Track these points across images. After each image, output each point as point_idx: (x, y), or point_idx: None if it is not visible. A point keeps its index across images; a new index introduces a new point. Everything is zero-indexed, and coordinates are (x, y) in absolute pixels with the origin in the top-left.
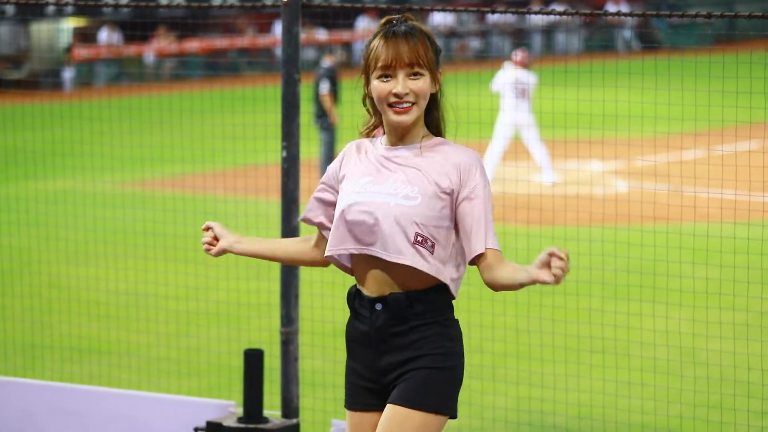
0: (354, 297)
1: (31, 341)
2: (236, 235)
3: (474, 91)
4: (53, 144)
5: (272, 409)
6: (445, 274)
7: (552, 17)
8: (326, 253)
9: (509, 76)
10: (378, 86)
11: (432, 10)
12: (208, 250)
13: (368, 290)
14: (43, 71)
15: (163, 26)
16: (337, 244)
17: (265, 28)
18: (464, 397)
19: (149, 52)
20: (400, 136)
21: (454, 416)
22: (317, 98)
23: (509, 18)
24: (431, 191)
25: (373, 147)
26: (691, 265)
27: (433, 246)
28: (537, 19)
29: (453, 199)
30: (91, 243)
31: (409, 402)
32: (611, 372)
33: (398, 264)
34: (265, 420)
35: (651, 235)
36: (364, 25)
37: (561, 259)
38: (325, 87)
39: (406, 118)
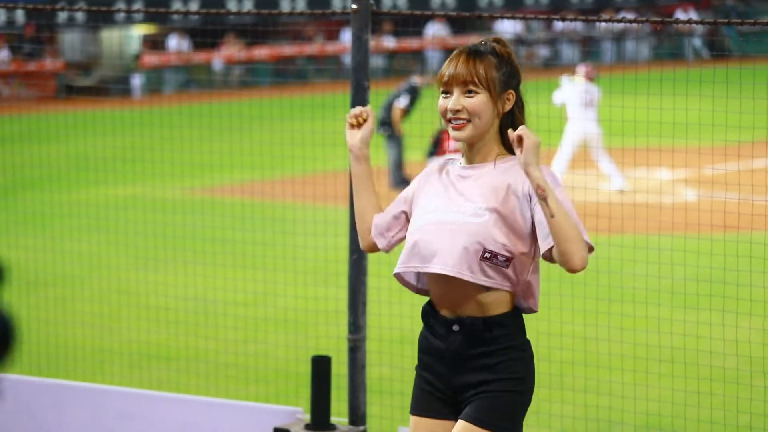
0: (429, 314)
1: (99, 346)
2: (367, 150)
3: (543, 99)
4: (123, 150)
5: (339, 416)
6: (520, 287)
7: (621, 25)
8: (394, 271)
9: (573, 89)
10: (439, 102)
11: (501, 17)
12: (351, 123)
13: (444, 310)
14: (113, 78)
15: (231, 33)
16: (405, 261)
17: (334, 35)
18: (531, 406)
19: (218, 59)
20: (471, 154)
21: None
22: (389, 107)
23: (578, 26)
24: (500, 207)
25: (452, 167)
26: (761, 274)
27: (508, 260)
28: (606, 27)
29: (530, 209)
30: (159, 249)
31: (481, 422)
32: (680, 381)
33: (472, 285)
34: (333, 427)
35: (721, 244)
36: (433, 32)
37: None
38: (403, 101)
39: (460, 134)
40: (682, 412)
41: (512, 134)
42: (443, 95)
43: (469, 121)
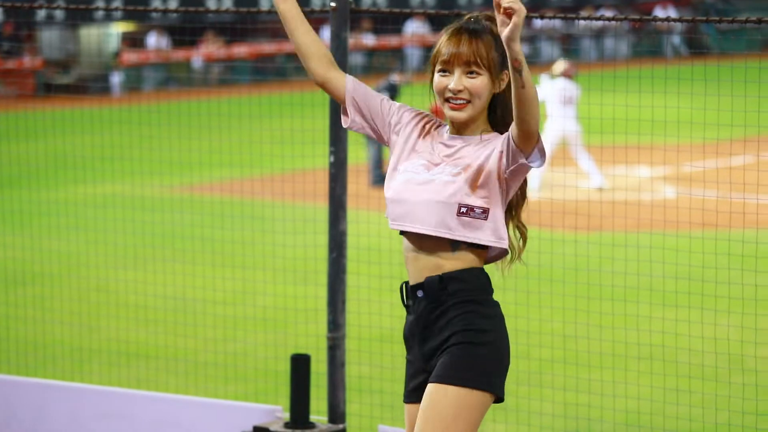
0: (402, 291)
1: (78, 345)
2: None
3: None
4: (102, 148)
5: (319, 415)
6: (504, 237)
7: (600, 22)
8: (390, 226)
9: (553, 86)
10: (437, 80)
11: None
12: None
13: (412, 278)
14: (92, 76)
15: (211, 31)
16: (396, 219)
17: (317, 33)
18: (511, 402)
19: (197, 57)
20: (458, 129)
21: (498, 395)
22: (391, 85)
23: (557, 23)
24: (477, 167)
25: (437, 132)
26: (739, 272)
27: (485, 210)
28: (585, 25)
29: (502, 152)
30: (138, 247)
31: (443, 378)
32: (659, 379)
33: (440, 244)
34: (312, 425)
35: (699, 241)
36: (413, 29)
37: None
38: (395, 77)
39: (459, 115)
40: (661, 410)
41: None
42: (442, 73)
43: (469, 102)
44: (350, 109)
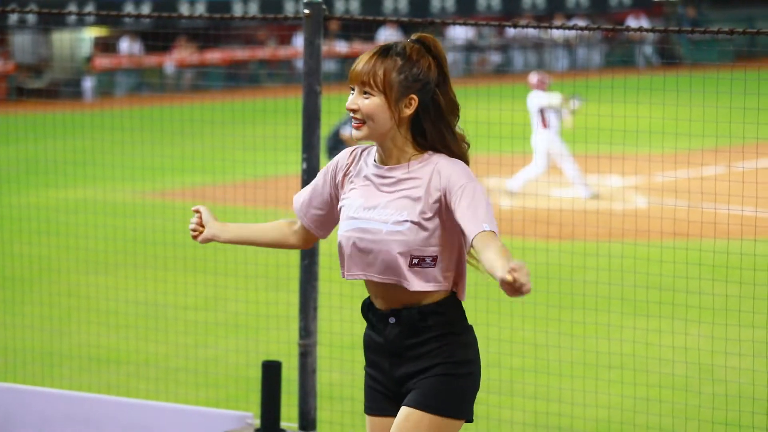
0: (368, 308)
1: (49, 350)
2: (221, 222)
3: (494, 105)
4: (73, 153)
5: (289, 421)
6: (450, 282)
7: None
8: (343, 276)
9: (538, 99)
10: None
11: (453, 23)
12: (194, 236)
13: (380, 304)
14: (64, 80)
15: (183, 37)
16: (348, 269)
17: (286, 39)
18: (482, 411)
19: (170, 63)
20: (384, 155)
21: (469, 420)
22: (336, 134)
23: (530, 32)
24: (418, 214)
25: (365, 163)
26: (710, 281)
27: (434, 259)
28: (558, 34)
29: (444, 203)
30: (110, 252)
31: (422, 405)
32: (629, 388)
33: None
34: None
35: (671, 251)
36: (386, 36)
37: (505, 281)
38: (347, 129)
39: (357, 134)
40: (631, 419)
41: (504, 278)
42: (351, 91)
43: (364, 122)
44: (315, 226)
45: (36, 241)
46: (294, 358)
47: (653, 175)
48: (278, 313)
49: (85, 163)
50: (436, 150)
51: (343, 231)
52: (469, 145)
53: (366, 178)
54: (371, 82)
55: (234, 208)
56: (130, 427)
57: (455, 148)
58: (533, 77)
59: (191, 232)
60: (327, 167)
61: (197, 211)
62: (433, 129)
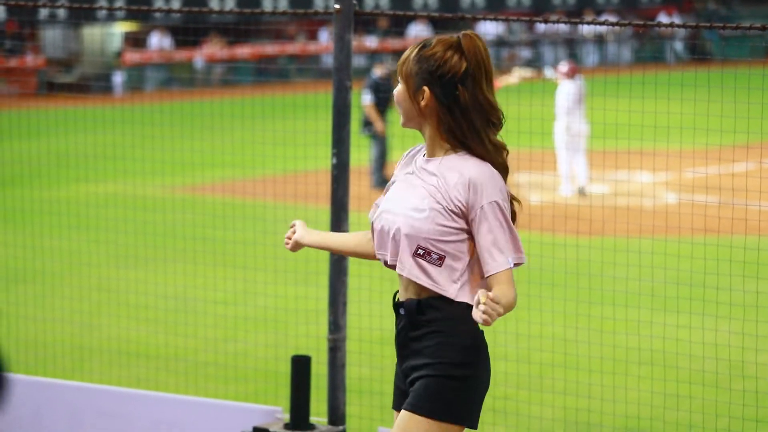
0: (393, 300)
1: (78, 344)
2: (309, 229)
3: (525, 101)
4: (103, 148)
5: (319, 416)
6: (449, 287)
7: (603, 28)
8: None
9: (560, 89)
10: None
11: (483, 18)
12: (286, 244)
13: (400, 294)
14: (94, 75)
15: (213, 32)
16: (377, 248)
17: (315, 35)
18: (511, 407)
19: (199, 58)
20: (426, 146)
21: (471, 426)
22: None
23: (560, 28)
24: (441, 207)
25: (414, 159)
26: (741, 278)
27: (441, 258)
28: (588, 30)
29: (466, 216)
30: (139, 247)
31: (415, 407)
32: (659, 384)
33: None
34: (312, 426)
35: (701, 247)
36: (416, 32)
37: (478, 303)
38: (367, 98)
39: (400, 120)
40: (661, 415)
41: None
42: None
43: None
44: None
45: (66, 236)
46: (323, 352)
47: (684, 171)
48: (307, 307)
49: (115, 157)
50: (470, 149)
51: (378, 211)
52: (507, 152)
53: (409, 170)
54: (401, 69)
55: (264, 203)
56: (159, 421)
57: (483, 152)
58: (563, 66)
59: (285, 241)
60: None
61: (293, 226)
62: (456, 127)
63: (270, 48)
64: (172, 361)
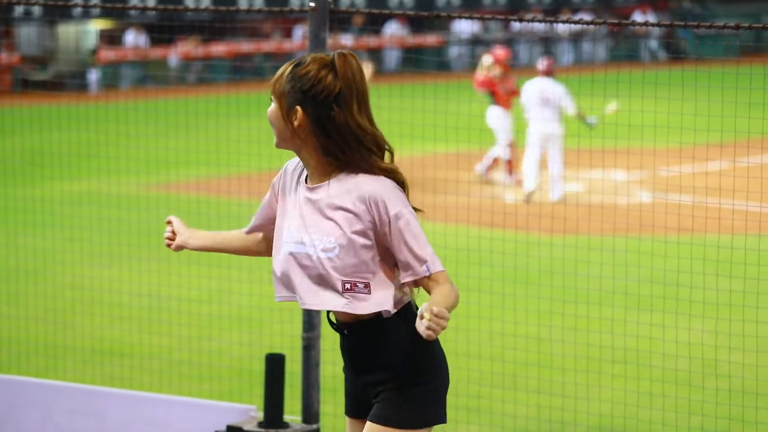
0: (327, 318)
1: (52, 342)
2: (192, 230)
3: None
4: (78, 145)
5: (293, 414)
6: (389, 300)
7: (578, 26)
8: (275, 299)
9: (532, 87)
10: None
11: (459, 17)
12: (168, 245)
13: (332, 317)
14: (69, 72)
15: (192, 30)
16: (278, 291)
17: (290, 33)
18: (484, 405)
19: (174, 55)
20: (307, 171)
21: (440, 422)
22: None
23: (535, 26)
24: (347, 239)
25: (299, 181)
26: (714, 276)
27: (366, 285)
28: (563, 28)
29: (375, 233)
30: (114, 245)
31: (383, 419)
32: (632, 383)
33: None
34: (286, 425)
35: (675, 246)
36: (392, 30)
37: (422, 317)
38: None
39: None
40: (634, 413)
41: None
42: None
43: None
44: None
45: (40, 234)
46: (297, 351)
47: (658, 169)
48: (282, 306)
49: (90, 155)
50: (356, 166)
51: (275, 254)
52: (400, 174)
53: (295, 199)
54: (273, 88)
55: (238, 201)
56: (133, 419)
57: (368, 168)
58: (542, 62)
59: (165, 241)
60: (272, 181)
61: (169, 222)
62: (335, 148)
63: (245, 46)
64: (147, 360)
